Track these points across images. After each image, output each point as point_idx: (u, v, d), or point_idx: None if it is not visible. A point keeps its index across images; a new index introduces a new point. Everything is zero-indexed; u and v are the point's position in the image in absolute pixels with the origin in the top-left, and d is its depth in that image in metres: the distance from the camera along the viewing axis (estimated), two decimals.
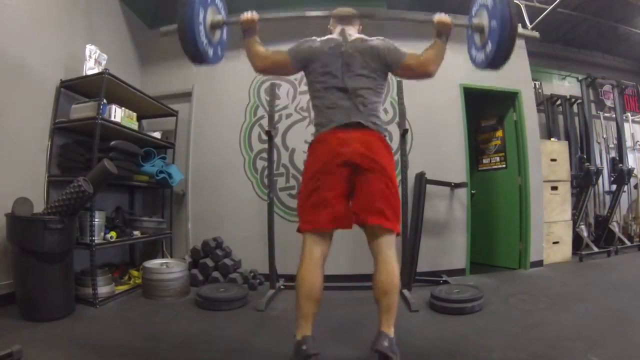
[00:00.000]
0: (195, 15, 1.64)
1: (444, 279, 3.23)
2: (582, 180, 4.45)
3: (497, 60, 1.65)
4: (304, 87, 3.71)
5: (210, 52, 1.82)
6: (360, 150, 1.53)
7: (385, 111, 3.60)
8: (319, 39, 1.72)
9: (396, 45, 1.70)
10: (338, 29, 1.77)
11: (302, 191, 1.64)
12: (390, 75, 1.75)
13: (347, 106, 1.59)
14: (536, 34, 1.83)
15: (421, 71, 1.66)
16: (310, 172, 1.60)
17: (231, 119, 3.74)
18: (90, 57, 2.92)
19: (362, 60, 1.63)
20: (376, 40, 1.69)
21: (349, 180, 1.55)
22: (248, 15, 1.73)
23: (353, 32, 1.75)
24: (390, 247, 1.55)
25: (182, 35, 1.66)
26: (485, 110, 4.24)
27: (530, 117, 3.97)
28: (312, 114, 1.75)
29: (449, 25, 1.67)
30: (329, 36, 1.76)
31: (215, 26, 1.82)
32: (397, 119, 3.10)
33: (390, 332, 1.49)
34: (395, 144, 3.59)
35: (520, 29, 1.60)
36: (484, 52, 1.71)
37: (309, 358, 1.41)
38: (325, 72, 1.64)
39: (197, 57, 1.74)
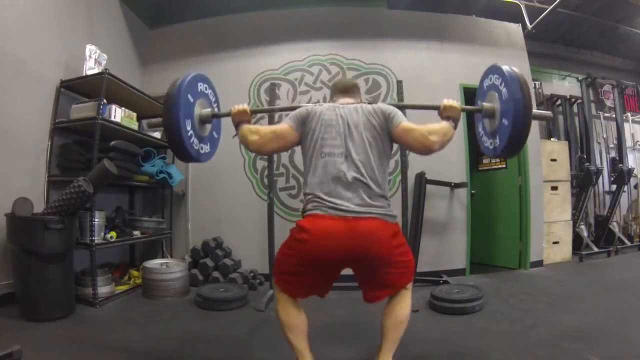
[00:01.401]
0: (182, 122, 1.50)
1: (444, 279, 3.23)
2: (582, 180, 4.45)
3: (507, 154, 1.56)
4: (304, 87, 3.72)
5: (202, 149, 1.68)
6: (364, 250, 1.33)
7: None
8: (315, 105, 1.57)
9: None
10: (339, 100, 1.62)
11: (283, 258, 1.46)
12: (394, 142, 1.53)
13: (353, 179, 1.37)
14: (550, 114, 1.71)
15: (421, 137, 1.41)
16: (295, 259, 1.40)
17: (228, 122, 3.73)
18: (90, 57, 2.92)
19: (365, 121, 1.45)
20: (380, 103, 1.55)
21: (340, 270, 1.42)
22: (239, 107, 1.61)
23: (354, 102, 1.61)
24: (407, 289, 1.49)
25: (170, 139, 1.54)
26: None
27: None
28: (304, 172, 1.51)
29: (457, 110, 1.53)
30: (330, 104, 1.61)
31: (204, 120, 1.68)
32: None
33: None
34: (395, 144, 3.60)
35: (534, 111, 1.49)
36: (494, 143, 1.59)
37: None
38: (325, 135, 1.44)
39: (188, 158, 1.63)
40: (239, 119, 1.60)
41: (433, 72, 3.72)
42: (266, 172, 3.38)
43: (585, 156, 4.89)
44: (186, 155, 1.59)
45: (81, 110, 2.78)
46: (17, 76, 2.53)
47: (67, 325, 2.15)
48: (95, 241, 2.61)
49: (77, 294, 2.51)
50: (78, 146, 2.85)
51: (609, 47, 5.50)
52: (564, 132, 5.19)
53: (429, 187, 3.40)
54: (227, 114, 1.64)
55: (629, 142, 5.56)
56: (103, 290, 2.64)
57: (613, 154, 5.46)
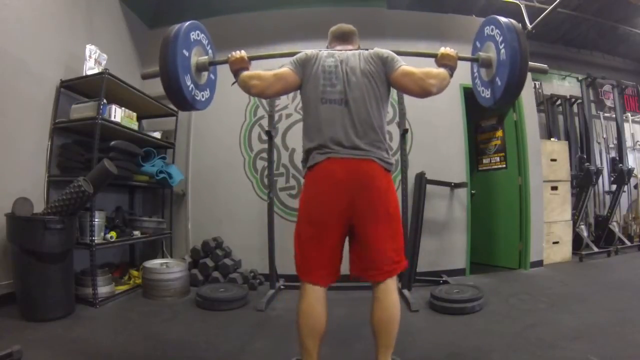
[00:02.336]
0: (179, 63, 1.50)
1: (444, 279, 3.23)
2: (582, 180, 4.45)
3: (505, 98, 1.54)
4: None
5: (199, 97, 1.68)
6: (363, 189, 1.37)
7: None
8: (314, 50, 1.59)
9: None
10: (337, 47, 1.67)
11: (300, 233, 1.47)
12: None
13: (348, 125, 1.41)
14: (545, 67, 1.73)
15: (419, 79, 1.43)
16: (307, 210, 1.44)
17: (231, 119, 3.74)
18: (90, 57, 2.92)
19: (364, 65, 1.48)
20: (376, 48, 1.58)
21: (349, 217, 1.40)
22: (237, 54, 1.60)
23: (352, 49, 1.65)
24: (393, 280, 1.44)
25: (165, 84, 1.53)
26: (485, 110, 4.23)
27: (530, 117, 3.97)
28: (304, 125, 1.53)
29: (454, 57, 1.55)
30: (329, 50, 1.63)
31: (201, 68, 1.69)
32: (397, 119, 3.10)
33: None
34: (395, 144, 3.60)
35: (530, 63, 1.51)
36: (491, 89, 1.61)
37: None
38: (324, 80, 1.47)
39: (184, 105, 1.63)
40: (238, 67, 1.60)
41: None
42: (266, 172, 3.39)
43: (585, 156, 4.89)
44: (185, 104, 1.60)
45: (81, 110, 2.78)
46: (17, 76, 2.53)
47: (67, 325, 2.15)
48: (95, 241, 2.61)
49: (77, 294, 2.51)
50: (78, 146, 2.85)
51: (609, 47, 5.50)
52: (564, 132, 5.19)
53: (429, 187, 3.40)
54: (225, 62, 1.64)
55: (629, 142, 5.56)
56: (103, 290, 2.64)
57: (613, 154, 5.46)
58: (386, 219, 1.42)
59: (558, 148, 4.31)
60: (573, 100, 5.33)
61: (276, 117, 3.39)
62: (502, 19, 1.54)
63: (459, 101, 3.72)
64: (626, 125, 5.57)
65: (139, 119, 3.28)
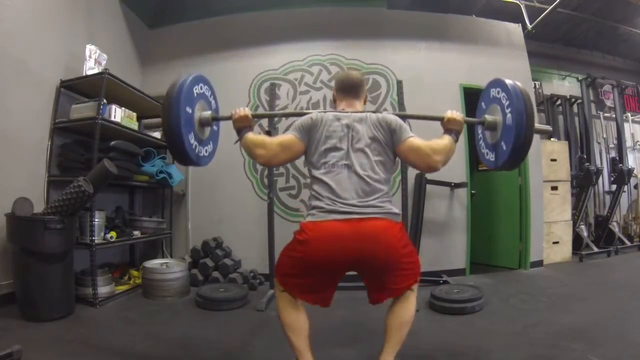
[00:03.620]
0: (183, 117, 1.45)
1: (444, 279, 3.23)
2: (582, 180, 4.45)
3: (510, 163, 1.53)
4: (304, 87, 3.72)
5: (202, 153, 1.65)
6: (369, 250, 1.32)
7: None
8: (318, 112, 1.54)
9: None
10: (342, 103, 1.60)
11: (285, 262, 1.45)
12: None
13: (353, 189, 1.38)
14: (549, 128, 1.73)
15: (425, 156, 1.41)
16: (297, 260, 1.39)
17: (226, 126, 3.73)
18: (90, 57, 2.92)
19: (369, 134, 1.44)
20: (385, 113, 1.53)
21: (350, 268, 1.39)
22: (240, 111, 1.56)
23: (359, 106, 1.59)
24: (413, 290, 1.47)
25: (168, 138, 1.49)
26: None
27: None
28: (310, 184, 1.49)
29: (461, 122, 1.53)
30: (334, 111, 1.57)
31: (204, 124, 1.63)
32: None
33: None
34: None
35: (535, 124, 1.48)
36: (496, 153, 1.59)
37: None
38: (330, 145, 1.44)
39: (187, 162, 1.59)
40: (241, 125, 1.57)
41: (433, 72, 3.72)
42: (266, 172, 3.39)
43: (585, 156, 4.89)
44: (187, 160, 1.56)
45: (81, 110, 2.78)
46: (17, 76, 2.53)
47: (67, 325, 2.15)
48: (95, 241, 2.61)
49: (77, 294, 2.51)
50: (78, 146, 2.85)
51: (609, 47, 5.50)
52: (564, 132, 5.19)
53: (429, 187, 3.40)
54: (228, 118, 1.61)
55: (629, 142, 5.56)
56: (103, 290, 2.64)
57: (613, 154, 5.46)
58: (397, 268, 1.40)
59: (558, 148, 4.31)
60: (573, 100, 5.33)
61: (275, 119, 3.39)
62: (509, 82, 1.50)
63: (459, 101, 3.72)
64: (626, 125, 5.58)
65: (139, 119, 3.27)
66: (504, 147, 1.50)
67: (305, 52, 3.78)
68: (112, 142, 2.82)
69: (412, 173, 3.34)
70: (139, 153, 3.16)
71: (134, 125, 3.14)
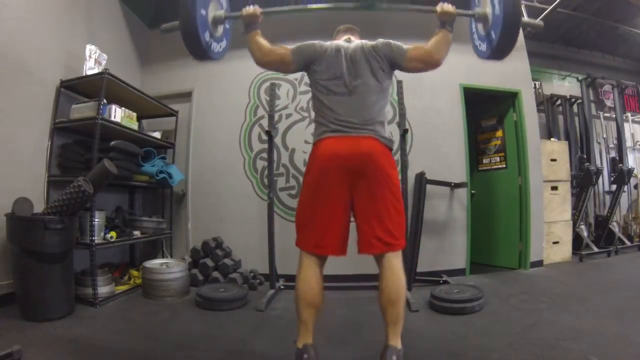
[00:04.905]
0: (198, 13, 1.62)
1: (444, 279, 3.23)
2: (582, 180, 4.45)
3: (501, 49, 1.65)
4: (304, 87, 3.71)
5: (214, 47, 1.82)
6: (364, 156, 1.49)
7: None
8: (323, 42, 1.69)
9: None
10: (342, 37, 1.80)
11: (301, 200, 1.59)
12: (394, 76, 1.72)
13: (351, 110, 1.55)
14: (541, 23, 1.80)
15: (427, 60, 1.60)
16: (310, 178, 1.57)
17: (231, 119, 3.74)
18: (90, 57, 2.92)
19: (366, 61, 1.59)
20: (380, 40, 1.67)
21: (350, 189, 1.50)
22: (250, 9, 1.70)
23: (356, 39, 1.77)
24: (396, 257, 1.51)
25: (184, 32, 1.65)
26: (485, 110, 4.24)
27: (530, 117, 3.97)
28: (313, 113, 1.68)
29: (453, 13, 1.64)
30: (334, 42, 1.73)
31: (217, 21, 1.81)
32: (397, 119, 3.10)
33: (398, 343, 1.45)
34: (395, 144, 3.60)
35: (524, 18, 1.64)
36: (488, 41, 1.71)
37: None
38: (330, 75, 1.60)
39: (201, 53, 1.73)
40: (249, 20, 1.70)
41: (433, 72, 3.69)
42: (266, 172, 3.39)
43: (585, 156, 4.89)
44: (203, 54, 1.72)
45: (81, 110, 2.78)
46: (17, 76, 2.53)
47: (67, 325, 2.14)
48: (95, 241, 2.61)
49: (77, 294, 2.51)
50: (78, 146, 2.85)
51: (609, 47, 5.51)
52: (564, 132, 5.19)
53: (429, 187, 3.40)
54: (239, 15, 1.73)
55: (629, 142, 5.56)
56: (103, 290, 2.64)
57: (613, 154, 5.46)
58: (385, 193, 1.50)
59: (558, 148, 4.31)
60: (573, 100, 5.33)
61: (276, 117, 3.39)
62: None
63: (459, 101, 3.71)
64: (626, 125, 5.58)
65: (139, 119, 3.28)
66: (494, 35, 1.63)
67: None
68: (112, 142, 2.83)
69: (412, 173, 3.34)
70: (139, 153, 3.16)
71: (134, 125, 3.14)
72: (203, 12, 1.67)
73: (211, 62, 1.94)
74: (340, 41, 1.72)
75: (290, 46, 1.68)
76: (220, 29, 1.87)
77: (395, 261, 1.49)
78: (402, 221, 1.57)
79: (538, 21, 1.79)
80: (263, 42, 1.68)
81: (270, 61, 1.69)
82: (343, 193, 1.50)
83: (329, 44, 1.67)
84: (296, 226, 1.59)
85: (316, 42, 1.67)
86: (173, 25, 1.74)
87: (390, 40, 1.65)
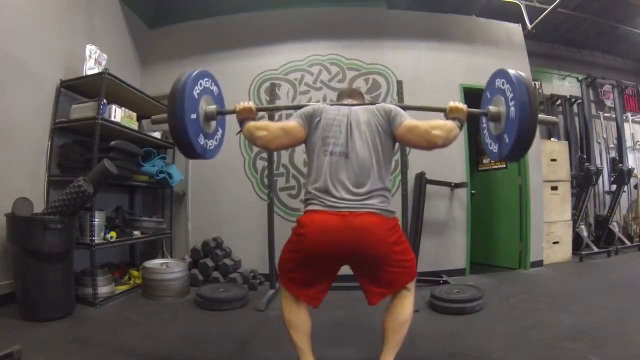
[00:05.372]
0: (187, 119, 1.49)
1: (444, 279, 3.23)
2: (582, 180, 4.45)
3: (513, 155, 1.54)
4: (304, 87, 3.72)
5: (210, 146, 1.70)
6: (358, 244, 1.34)
7: None
8: (321, 104, 1.59)
9: None
10: (343, 101, 1.66)
11: (287, 254, 1.48)
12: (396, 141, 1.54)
13: (348, 177, 1.39)
14: (556, 119, 1.73)
15: (424, 132, 1.42)
16: (296, 254, 1.43)
17: (231, 119, 3.72)
18: (90, 57, 2.92)
19: (368, 123, 1.46)
20: (384, 103, 1.58)
21: (338, 268, 1.46)
22: (244, 104, 1.60)
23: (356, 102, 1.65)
24: (410, 286, 1.47)
25: (177, 141, 1.55)
26: None
27: None
28: (307, 179, 1.53)
29: (464, 111, 1.54)
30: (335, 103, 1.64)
31: (209, 117, 1.67)
32: None
33: None
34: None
35: (540, 115, 1.48)
36: (499, 145, 1.59)
37: None
38: (329, 133, 1.46)
39: (197, 157, 1.64)
40: (244, 117, 1.59)
41: (433, 72, 3.72)
42: (266, 172, 3.38)
43: (585, 156, 4.89)
44: (193, 151, 1.58)
45: (81, 110, 2.78)
46: (17, 76, 2.53)
47: (67, 325, 2.15)
48: (95, 241, 2.61)
49: (77, 294, 2.51)
50: (78, 146, 2.85)
51: (609, 47, 5.50)
52: (564, 132, 5.18)
53: (429, 187, 3.40)
54: (232, 112, 1.64)
55: (629, 142, 5.55)
56: (103, 290, 2.64)
57: (613, 154, 5.45)
58: (390, 264, 1.39)
59: (558, 148, 4.31)
60: (573, 100, 5.32)
61: (276, 117, 3.39)
62: (512, 73, 1.47)
63: (459, 101, 3.70)
64: (626, 125, 5.57)
65: (139, 119, 3.27)
66: (507, 140, 1.49)
67: (305, 52, 3.78)
68: (112, 142, 2.82)
69: (412, 173, 3.34)
70: (139, 153, 3.16)
71: (134, 125, 3.14)
72: (193, 116, 1.53)
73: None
74: (339, 103, 1.62)
75: (290, 121, 1.53)
76: (213, 124, 1.74)
77: (408, 294, 1.46)
78: (412, 261, 1.47)
79: (552, 117, 1.67)
80: (264, 123, 1.57)
81: (278, 134, 1.50)
82: (338, 267, 1.46)
83: (329, 104, 1.58)
84: (278, 265, 1.52)
85: (314, 103, 1.59)
86: (162, 117, 1.63)
87: (395, 106, 1.54)
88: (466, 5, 4.03)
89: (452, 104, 1.55)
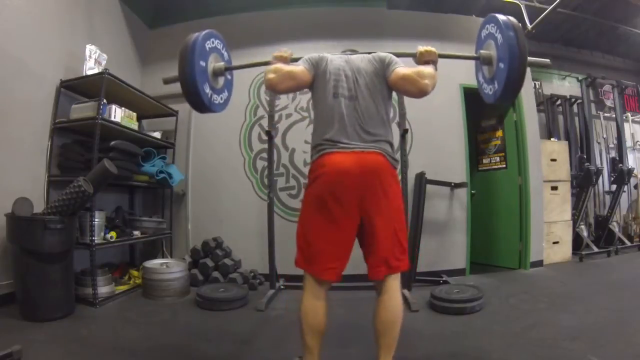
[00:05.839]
0: (197, 65, 1.64)
1: (444, 279, 3.23)
2: (582, 180, 4.45)
3: (505, 95, 1.61)
4: None
5: (215, 99, 1.82)
6: (371, 180, 1.41)
7: None
8: (327, 53, 1.69)
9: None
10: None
11: (302, 220, 1.50)
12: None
13: (357, 118, 1.48)
14: (547, 61, 1.75)
15: (414, 80, 1.49)
16: (312, 197, 1.46)
17: (231, 119, 3.73)
18: (90, 57, 2.92)
19: (368, 69, 1.57)
20: (378, 52, 1.67)
21: (358, 214, 1.42)
22: (283, 52, 1.70)
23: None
24: (396, 278, 1.46)
25: (184, 89, 1.67)
26: (485, 110, 4.24)
27: (530, 117, 3.97)
28: (314, 122, 1.62)
29: (435, 53, 1.66)
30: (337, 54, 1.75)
31: (217, 73, 1.81)
32: (397, 119, 3.10)
33: None
34: (395, 144, 3.59)
35: (530, 58, 1.55)
36: (493, 86, 1.67)
37: None
38: (338, 77, 1.55)
39: (202, 109, 1.77)
40: (276, 59, 1.66)
41: None
42: (266, 172, 3.39)
43: (585, 156, 4.89)
44: (199, 100, 1.71)
45: (81, 110, 2.78)
46: (17, 76, 2.53)
47: (67, 325, 2.15)
48: (95, 241, 2.61)
49: (77, 294, 2.51)
50: (78, 146, 2.85)
51: (609, 47, 5.50)
52: (564, 132, 5.19)
53: (429, 187, 3.40)
54: (238, 67, 1.84)
55: (629, 142, 5.55)
56: (103, 290, 2.64)
57: (613, 154, 5.45)
58: (391, 211, 1.45)
59: (558, 148, 4.31)
60: (573, 100, 5.32)
61: (276, 117, 3.39)
62: (501, 17, 1.59)
63: (459, 101, 3.71)
64: (626, 125, 5.57)
65: (139, 119, 3.28)
66: (499, 80, 1.58)
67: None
68: (112, 142, 2.82)
69: (412, 173, 3.34)
70: (139, 153, 3.16)
71: (134, 125, 3.14)
72: (202, 63, 1.69)
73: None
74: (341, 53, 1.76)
75: (298, 65, 1.62)
76: (221, 81, 1.88)
77: (394, 283, 1.46)
78: (405, 242, 1.51)
79: (544, 60, 1.72)
80: (279, 65, 1.59)
81: (288, 79, 1.56)
82: (353, 213, 1.42)
83: (333, 53, 1.70)
84: (298, 245, 1.50)
85: (320, 53, 1.68)
86: (174, 77, 1.76)
87: (389, 54, 1.65)
88: (466, 5, 4.03)
89: (421, 48, 1.67)
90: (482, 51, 1.73)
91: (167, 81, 1.88)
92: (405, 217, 2.90)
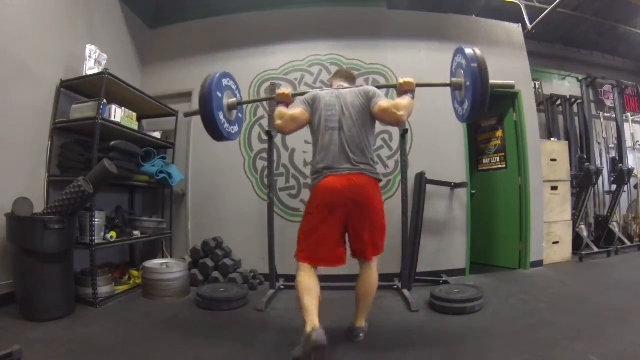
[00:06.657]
0: (216, 110, 2.01)
1: (444, 279, 3.23)
2: (582, 180, 4.45)
3: (472, 116, 1.87)
4: (304, 87, 3.72)
5: (232, 130, 2.19)
6: (356, 194, 1.79)
7: None
8: (321, 89, 2.06)
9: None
10: (335, 84, 2.14)
11: (303, 227, 1.89)
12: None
13: (343, 146, 1.85)
14: (512, 83, 2.04)
15: (392, 113, 1.83)
16: (312, 207, 1.87)
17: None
18: (90, 57, 2.92)
19: (354, 102, 1.90)
20: (365, 86, 2.01)
21: (345, 219, 1.83)
22: (284, 91, 2.02)
23: (347, 85, 2.09)
24: (374, 260, 1.93)
25: (207, 126, 2.05)
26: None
27: (530, 117, 3.97)
28: (313, 149, 1.96)
29: (413, 84, 1.95)
30: (330, 89, 2.08)
31: (231, 107, 2.17)
32: None
33: (364, 324, 1.97)
34: (395, 144, 3.60)
35: (493, 82, 1.82)
36: (462, 109, 1.96)
37: (320, 347, 1.43)
38: (328, 112, 1.89)
39: (222, 139, 2.13)
40: (281, 100, 2.01)
41: (433, 72, 3.70)
42: (266, 172, 3.39)
43: (585, 156, 4.89)
44: (221, 137, 2.10)
45: (81, 110, 2.78)
46: (17, 76, 2.53)
47: (67, 325, 2.15)
48: (95, 241, 2.61)
49: (77, 294, 2.51)
50: (78, 146, 2.85)
51: (609, 47, 5.50)
52: (564, 132, 5.19)
53: (429, 187, 3.40)
54: (248, 102, 2.20)
55: (629, 142, 5.55)
56: (103, 290, 2.65)
57: (613, 154, 5.45)
58: (372, 218, 1.86)
59: (558, 148, 4.31)
60: (573, 100, 5.32)
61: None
62: (467, 50, 1.87)
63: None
64: (626, 125, 5.57)
65: (139, 119, 3.27)
66: (467, 103, 1.86)
67: (305, 52, 3.78)
68: (112, 142, 2.83)
69: (412, 173, 3.34)
70: (139, 153, 3.16)
71: (134, 125, 3.14)
72: (219, 94, 2.05)
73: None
74: (333, 87, 2.09)
75: (297, 108, 1.96)
76: (233, 114, 2.22)
77: (374, 263, 1.93)
78: (384, 234, 1.94)
79: (508, 82, 2.00)
80: (284, 110, 1.95)
81: (291, 123, 1.92)
82: (342, 215, 1.82)
83: (325, 90, 2.03)
84: (298, 241, 1.88)
85: (313, 90, 2.03)
86: (194, 111, 2.15)
87: (374, 88, 1.97)
88: (466, 5, 4.04)
89: (401, 80, 1.97)
90: (453, 79, 2.03)
91: (187, 114, 2.26)
92: (404, 220, 2.91)
